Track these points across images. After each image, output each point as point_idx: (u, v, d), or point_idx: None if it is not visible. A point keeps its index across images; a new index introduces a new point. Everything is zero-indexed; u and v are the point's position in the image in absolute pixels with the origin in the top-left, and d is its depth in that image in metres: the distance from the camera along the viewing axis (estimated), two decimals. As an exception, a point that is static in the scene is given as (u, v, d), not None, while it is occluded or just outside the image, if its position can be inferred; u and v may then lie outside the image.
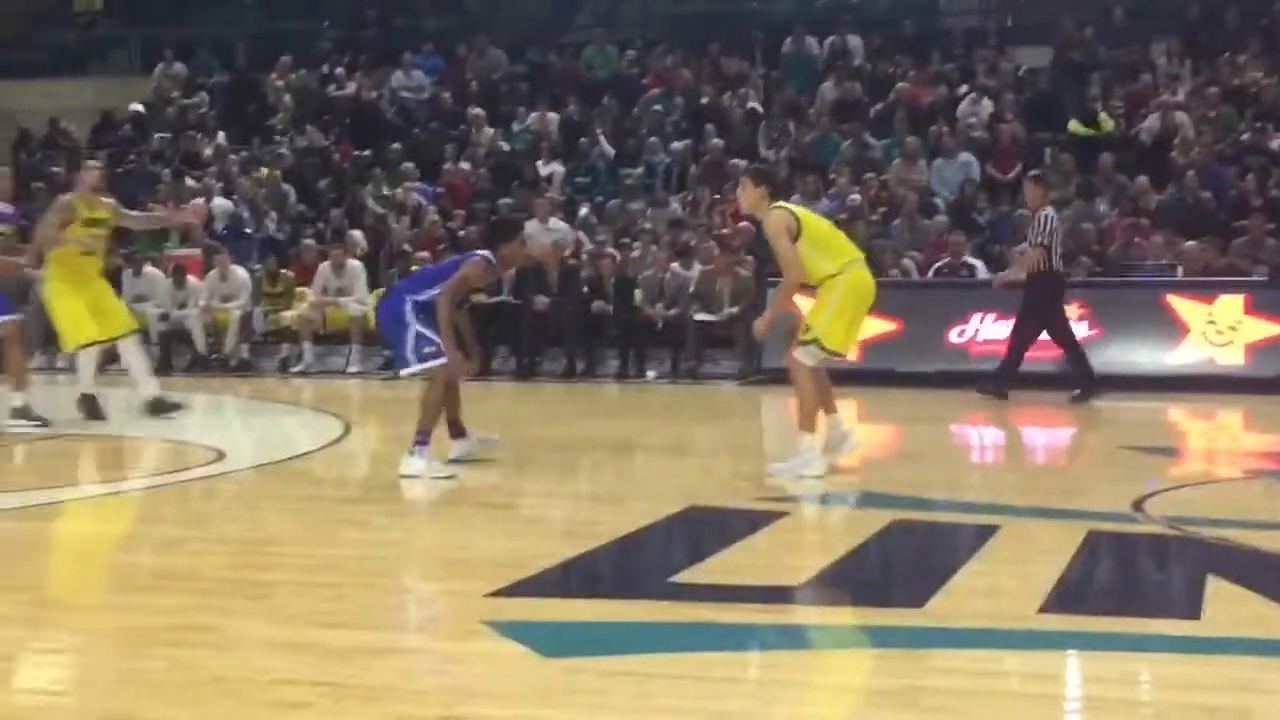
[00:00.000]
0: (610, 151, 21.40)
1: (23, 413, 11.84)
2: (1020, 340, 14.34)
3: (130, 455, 11.15)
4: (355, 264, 18.32)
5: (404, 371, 9.50)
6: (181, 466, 10.08)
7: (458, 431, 9.79)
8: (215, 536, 7.40)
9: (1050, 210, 14.23)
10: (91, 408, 12.34)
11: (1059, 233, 14.17)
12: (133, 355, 12.54)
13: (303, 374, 17.80)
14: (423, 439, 9.10)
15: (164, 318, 18.33)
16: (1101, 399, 14.08)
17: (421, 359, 9.21)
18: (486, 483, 9.24)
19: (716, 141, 20.53)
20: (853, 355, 9.65)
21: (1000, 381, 14.27)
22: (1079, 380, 14.21)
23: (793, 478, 8.95)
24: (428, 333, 9.21)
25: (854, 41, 23.10)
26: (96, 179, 12.56)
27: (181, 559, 6.72)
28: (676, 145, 21.05)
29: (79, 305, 12.09)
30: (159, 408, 12.39)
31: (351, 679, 4.63)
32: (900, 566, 7.05)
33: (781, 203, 9.39)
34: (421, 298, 9.28)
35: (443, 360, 9.22)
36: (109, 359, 13.26)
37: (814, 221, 9.37)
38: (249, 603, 5.71)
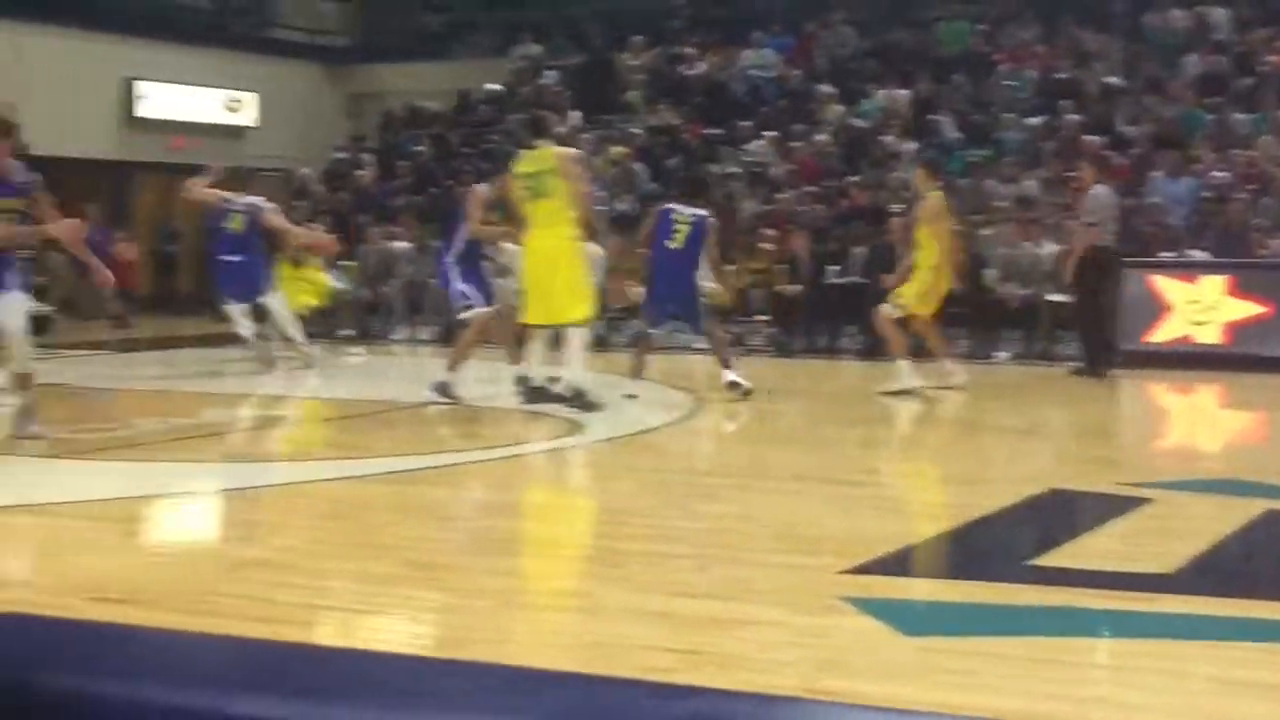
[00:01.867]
0: (953, 135, 21.05)
1: (524, 381, 11.92)
2: (1095, 320, 14.71)
3: (492, 425, 11.51)
4: (704, 241, 18.49)
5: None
6: (541, 437, 10.38)
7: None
8: (574, 506, 7.61)
9: (1099, 189, 14.46)
10: (535, 394, 11.57)
11: (1108, 210, 14.38)
12: (575, 341, 11.53)
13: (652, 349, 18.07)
14: (728, 363, 12.11)
15: (517, 294, 18.83)
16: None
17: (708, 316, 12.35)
18: (835, 460, 9.24)
19: (1073, 117, 20.01)
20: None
21: (1096, 364, 14.42)
22: (1090, 356, 14.54)
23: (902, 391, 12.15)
24: None
25: (1219, 13, 22.18)
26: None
27: (543, 526, 6.92)
28: (1030, 121, 20.59)
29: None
30: (578, 400, 11.28)
31: (711, 647, 4.70)
32: (1272, 558, 6.77)
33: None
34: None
35: None
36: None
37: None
38: (609, 570, 5.86)
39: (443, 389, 11.76)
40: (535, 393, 11.65)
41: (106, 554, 6.34)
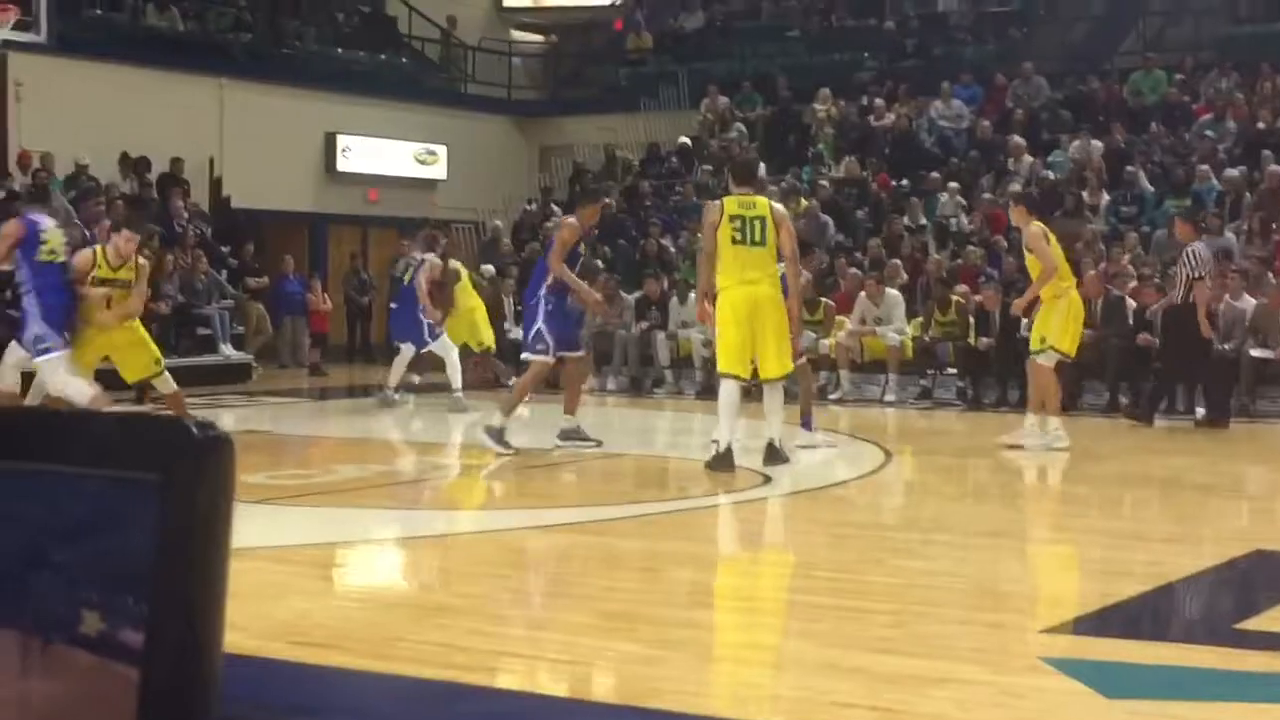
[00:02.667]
0: (1148, 188, 20.64)
1: (573, 434, 12.07)
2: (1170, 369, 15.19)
3: (679, 476, 11.51)
4: (893, 293, 18.38)
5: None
6: (729, 489, 10.34)
7: None
8: (767, 559, 7.56)
9: (1197, 245, 14.78)
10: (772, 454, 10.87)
11: (1206, 265, 14.71)
12: (777, 395, 10.98)
13: (839, 401, 17.98)
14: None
15: (707, 344, 18.86)
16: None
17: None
18: (1030, 516, 9.08)
19: (1275, 168, 19.51)
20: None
21: (1149, 409, 14.95)
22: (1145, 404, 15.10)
23: (1043, 448, 11.88)
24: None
25: None
26: None
27: (735, 578, 6.89)
28: (1230, 173, 20.12)
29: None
30: (773, 455, 10.77)
31: (909, 706, 4.62)
32: None
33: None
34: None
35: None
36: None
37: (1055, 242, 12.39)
38: (803, 624, 5.80)
39: (496, 435, 11.46)
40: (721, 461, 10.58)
41: (305, 598, 6.45)
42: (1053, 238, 12.37)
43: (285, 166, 24.56)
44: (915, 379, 17.75)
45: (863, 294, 18.39)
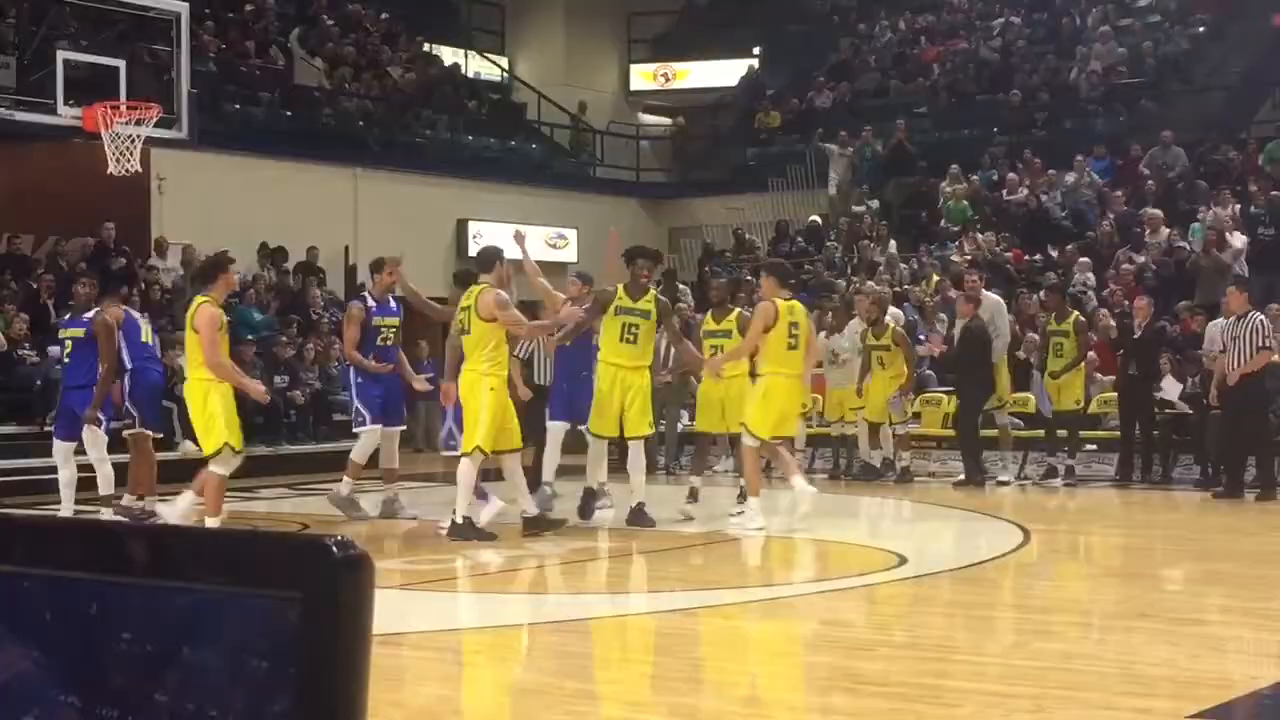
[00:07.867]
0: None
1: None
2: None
3: (810, 557, 11.43)
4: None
5: None
6: (863, 570, 10.25)
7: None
8: (903, 641, 7.47)
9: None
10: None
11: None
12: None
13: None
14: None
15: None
16: None
17: None
18: (1176, 598, 8.88)
19: None
20: None
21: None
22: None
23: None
24: None
25: None
26: None
27: (873, 663, 6.80)
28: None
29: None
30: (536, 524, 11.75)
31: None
32: None
33: None
34: None
35: None
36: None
37: None
38: (945, 710, 5.71)
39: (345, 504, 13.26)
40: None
41: (443, 684, 6.48)
42: None
43: (418, 253, 24.84)
44: (1042, 455, 17.48)
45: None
